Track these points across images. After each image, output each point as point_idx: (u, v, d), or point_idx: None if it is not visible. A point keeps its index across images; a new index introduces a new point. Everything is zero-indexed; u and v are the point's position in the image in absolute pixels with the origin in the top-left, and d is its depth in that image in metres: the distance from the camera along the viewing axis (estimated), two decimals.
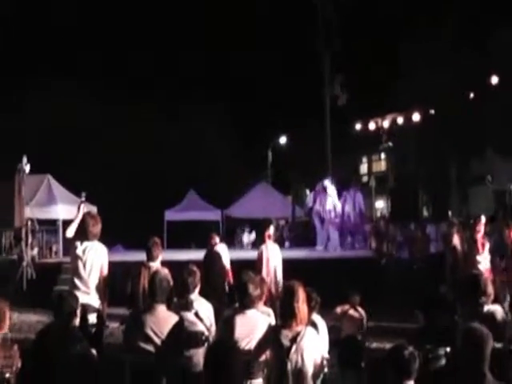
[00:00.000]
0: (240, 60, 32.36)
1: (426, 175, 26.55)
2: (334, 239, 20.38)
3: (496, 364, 4.31)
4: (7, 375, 4.67)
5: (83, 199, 8.40)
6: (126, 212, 26.77)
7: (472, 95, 24.99)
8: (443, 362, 5.48)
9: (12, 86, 29.12)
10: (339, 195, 21.01)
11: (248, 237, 26.04)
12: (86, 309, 7.13)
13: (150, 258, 8.29)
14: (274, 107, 32.50)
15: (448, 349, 5.48)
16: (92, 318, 7.31)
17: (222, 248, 12.31)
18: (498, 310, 5.82)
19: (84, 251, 7.51)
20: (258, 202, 24.48)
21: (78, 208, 8.03)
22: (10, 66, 29.15)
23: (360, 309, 8.12)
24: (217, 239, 12.31)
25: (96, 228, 7.66)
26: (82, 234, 7.59)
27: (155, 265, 8.14)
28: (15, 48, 29.75)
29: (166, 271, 6.44)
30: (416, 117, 24.29)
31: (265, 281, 8.22)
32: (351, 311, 8.01)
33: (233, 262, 12.21)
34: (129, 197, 27.91)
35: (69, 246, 7.76)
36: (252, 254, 13.40)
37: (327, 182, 20.78)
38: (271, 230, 12.05)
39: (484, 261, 11.56)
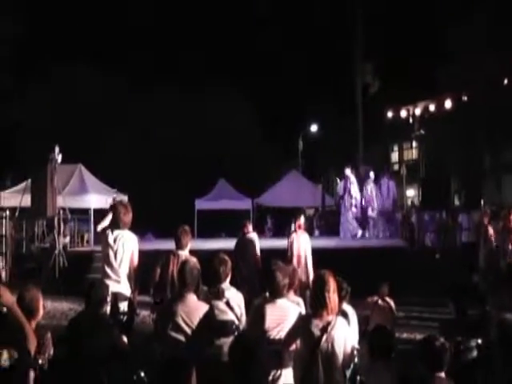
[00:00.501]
0: (272, 48, 32.23)
1: (458, 163, 26.26)
2: (351, 227, 20.37)
3: None
4: (40, 361, 4.71)
5: (115, 195, 8.50)
6: (156, 201, 26.91)
7: (506, 82, 24.59)
8: (475, 353, 5.43)
9: (41, 73, 29.42)
10: (375, 183, 20.95)
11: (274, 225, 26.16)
12: (116, 297, 7.21)
13: (179, 246, 8.27)
14: (306, 95, 32.36)
15: (480, 340, 5.42)
16: (123, 306, 7.37)
17: (253, 236, 12.31)
18: None
19: (115, 240, 7.57)
20: (289, 190, 24.44)
21: (111, 205, 8.09)
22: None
23: (389, 299, 8.05)
24: (250, 227, 12.31)
25: (127, 217, 7.71)
26: (114, 222, 7.65)
27: (184, 253, 8.14)
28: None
29: (194, 260, 6.45)
30: (448, 104, 23.97)
31: (296, 270, 8.21)
32: (380, 302, 7.95)
33: (262, 251, 12.18)
34: (159, 186, 28.05)
35: (100, 235, 7.83)
36: (280, 243, 13.38)
37: (348, 171, 20.66)
38: (302, 219, 12.00)
39: None
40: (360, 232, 20.52)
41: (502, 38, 24.50)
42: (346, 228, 20.54)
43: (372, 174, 20.75)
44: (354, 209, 20.32)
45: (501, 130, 25.39)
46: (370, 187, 20.16)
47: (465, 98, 24.67)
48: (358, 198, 20.44)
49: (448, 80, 26.25)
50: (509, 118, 24.46)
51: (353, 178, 20.56)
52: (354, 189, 20.40)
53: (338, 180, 21.15)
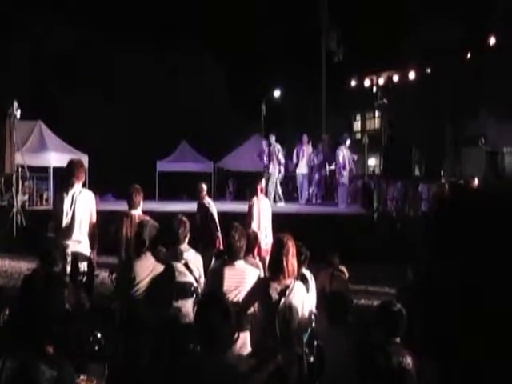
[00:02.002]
0: (235, 10, 31.84)
1: (420, 134, 26.45)
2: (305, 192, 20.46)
3: None
4: None
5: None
6: (117, 162, 26.60)
7: (469, 55, 24.74)
8: None
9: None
10: (333, 151, 20.88)
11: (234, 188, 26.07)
12: (76, 257, 7.13)
13: (132, 205, 8.09)
14: (270, 60, 32.17)
15: None
16: (83, 266, 7.30)
17: (210, 201, 12.18)
18: None
19: (73, 198, 7.47)
20: (251, 154, 24.35)
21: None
22: None
23: (342, 267, 7.99)
24: (204, 192, 12.07)
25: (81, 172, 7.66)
26: (68, 179, 7.57)
27: (137, 213, 8.03)
28: None
29: (147, 218, 6.41)
30: (412, 75, 24.07)
31: (256, 233, 8.21)
32: (335, 272, 7.89)
33: (222, 215, 12.11)
34: (121, 147, 27.69)
35: (56, 193, 7.73)
36: (241, 207, 13.31)
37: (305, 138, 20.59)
38: (263, 183, 11.94)
39: None
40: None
41: (468, 11, 24.59)
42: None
43: (348, 141, 20.41)
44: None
45: (463, 103, 25.61)
46: (343, 154, 19.97)
47: (428, 71, 24.79)
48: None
49: (413, 51, 26.34)
50: (472, 91, 24.67)
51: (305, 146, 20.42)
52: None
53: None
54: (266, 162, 19.89)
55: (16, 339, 4.05)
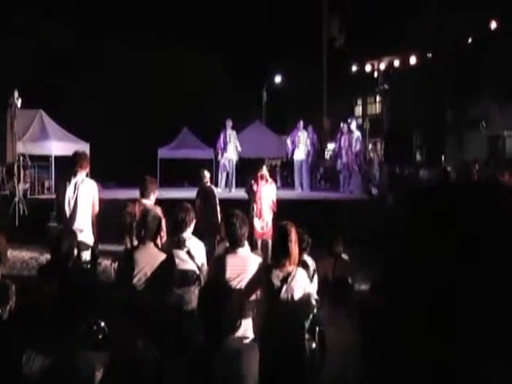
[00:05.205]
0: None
1: (421, 119, 26.45)
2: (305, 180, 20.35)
3: None
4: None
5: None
6: (119, 149, 26.58)
7: (470, 40, 24.67)
8: None
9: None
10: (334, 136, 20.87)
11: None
12: (79, 246, 7.16)
13: (144, 195, 8.15)
14: (271, 46, 32.09)
15: None
16: (85, 256, 7.34)
17: (212, 187, 12.20)
18: None
19: (75, 187, 7.50)
20: (252, 141, 24.31)
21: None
22: None
23: (345, 255, 8.00)
24: (207, 177, 12.10)
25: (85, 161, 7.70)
26: (72, 167, 7.61)
27: (148, 202, 8.07)
28: None
29: (157, 209, 6.42)
30: (413, 60, 24.05)
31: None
32: (338, 260, 7.89)
33: (223, 201, 12.13)
34: (122, 135, 27.67)
35: (59, 182, 7.77)
36: (242, 194, 13.32)
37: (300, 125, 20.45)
38: (264, 170, 11.97)
39: None
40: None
41: None
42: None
43: (353, 126, 20.13)
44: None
45: (464, 88, 25.56)
46: (344, 139, 19.82)
47: (429, 55, 24.75)
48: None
49: (414, 36, 26.25)
50: (472, 76, 24.62)
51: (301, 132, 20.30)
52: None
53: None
54: (221, 148, 19.92)
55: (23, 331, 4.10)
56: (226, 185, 19.89)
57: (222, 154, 19.91)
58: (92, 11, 29.27)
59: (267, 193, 11.59)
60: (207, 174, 12.02)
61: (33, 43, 28.36)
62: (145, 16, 30.21)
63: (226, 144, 19.78)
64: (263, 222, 11.23)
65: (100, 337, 4.75)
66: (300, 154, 19.97)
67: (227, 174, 20.05)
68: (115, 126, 27.27)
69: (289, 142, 20.39)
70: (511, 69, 22.25)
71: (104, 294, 6.22)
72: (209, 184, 12.02)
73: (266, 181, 11.85)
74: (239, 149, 20.02)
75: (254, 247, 7.18)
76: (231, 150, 19.82)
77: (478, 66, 24.35)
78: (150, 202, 8.07)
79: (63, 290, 4.83)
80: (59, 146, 20.65)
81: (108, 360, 4.12)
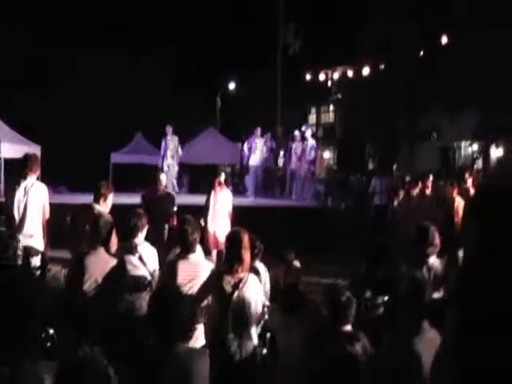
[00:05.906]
0: (189, 2, 31.66)
1: (373, 129, 26.77)
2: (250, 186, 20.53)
3: (432, 313, 4.41)
4: None
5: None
6: (71, 153, 26.28)
7: (422, 52, 25.09)
8: (381, 310, 5.61)
9: None
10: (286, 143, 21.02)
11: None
12: (28, 252, 7.05)
13: (97, 200, 7.96)
14: (225, 52, 32.10)
15: (386, 298, 5.59)
16: (35, 261, 7.22)
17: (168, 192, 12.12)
18: (439, 261, 5.96)
19: (25, 191, 7.38)
20: (206, 147, 24.31)
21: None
22: None
23: (296, 262, 8.08)
24: (164, 182, 11.93)
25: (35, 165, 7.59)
26: (22, 171, 7.49)
27: (101, 208, 7.95)
28: None
29: (108, 215, 6.37)
30: (366, 71, 24.36)
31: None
32: (290, 268, 7.96)
33: (177, 207, 12.03)
34: (75, 138, 27.37)
35: (9, 186, 7.65)
36: (195, 200, 13.30)
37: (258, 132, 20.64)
38: (222, 177, 11.98)
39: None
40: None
41: (422, 9, 24.86)
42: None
43: (308, 134, 20.38)
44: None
45: (417, 99, 25.94)
46: (295, 146, 20.03)
47: (382, 67, 25.08)
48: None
49: (367, 46, 26.59)
50: (425, 87, 25.01)
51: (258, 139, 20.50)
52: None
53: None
54: (162, 154, 20.37)
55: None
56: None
57: (163, 160, 20.28)
58: (48, 19, 28.87)
59: (224, 199, 11.62)
60: (164, 179, 11.86)
61: None
62: (93, 20, 29.97)
63: (165, 150, 20.19)
64: (220, 228, 11.16)
65: (48, 344, 4.68)
66: (256, 160, 20.11)
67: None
68: (68, 129, 26.97)
69: (246, 148, 20.53)
70: (462, 81, 22.67)
71: (53, 301, 6.15)
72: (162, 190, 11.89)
73: (223, 187, 11.87)
74: (180, 153, 20.27)
75: (208, 253, 7.17)
76: (170, 156, 20.24)
77: (430, 77, 24.75)
78: (103, 207, 7.96)
79: None
80: (10, 148, 20.26)
81: (56, 368, 4.06)
